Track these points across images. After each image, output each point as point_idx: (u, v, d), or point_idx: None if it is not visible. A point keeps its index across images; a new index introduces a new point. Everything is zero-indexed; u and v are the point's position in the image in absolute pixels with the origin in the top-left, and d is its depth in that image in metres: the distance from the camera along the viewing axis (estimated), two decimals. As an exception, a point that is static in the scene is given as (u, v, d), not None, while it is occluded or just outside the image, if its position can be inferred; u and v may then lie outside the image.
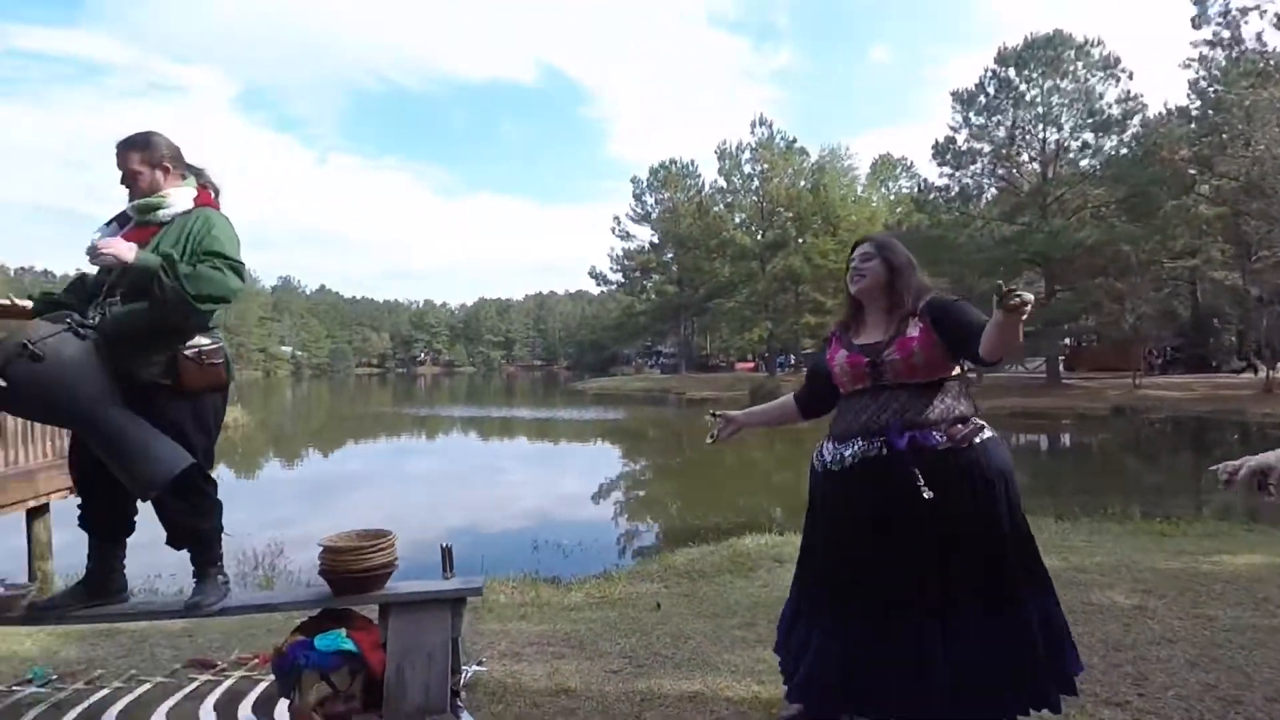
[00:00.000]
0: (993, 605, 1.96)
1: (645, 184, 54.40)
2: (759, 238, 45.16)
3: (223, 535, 2.59)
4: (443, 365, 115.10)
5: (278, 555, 6.58)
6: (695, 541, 5.88)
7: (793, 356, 47.89)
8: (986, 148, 30.22)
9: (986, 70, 29.94)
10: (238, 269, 2.41)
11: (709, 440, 2.57)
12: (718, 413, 2.58)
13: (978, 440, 2.04)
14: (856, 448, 2.10)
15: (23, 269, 75.53)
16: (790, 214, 43.78)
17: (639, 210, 54.84)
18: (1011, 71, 29.21)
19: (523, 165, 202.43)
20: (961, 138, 30.64)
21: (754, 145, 45.48)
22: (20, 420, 4.94)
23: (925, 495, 1.95)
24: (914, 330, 2.09)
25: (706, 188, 51.30)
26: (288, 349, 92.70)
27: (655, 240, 54.52)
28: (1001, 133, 29.76)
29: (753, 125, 46.13)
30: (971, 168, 30.88)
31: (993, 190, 32.13)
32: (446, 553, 2.82)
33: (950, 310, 2.09)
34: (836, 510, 2.15)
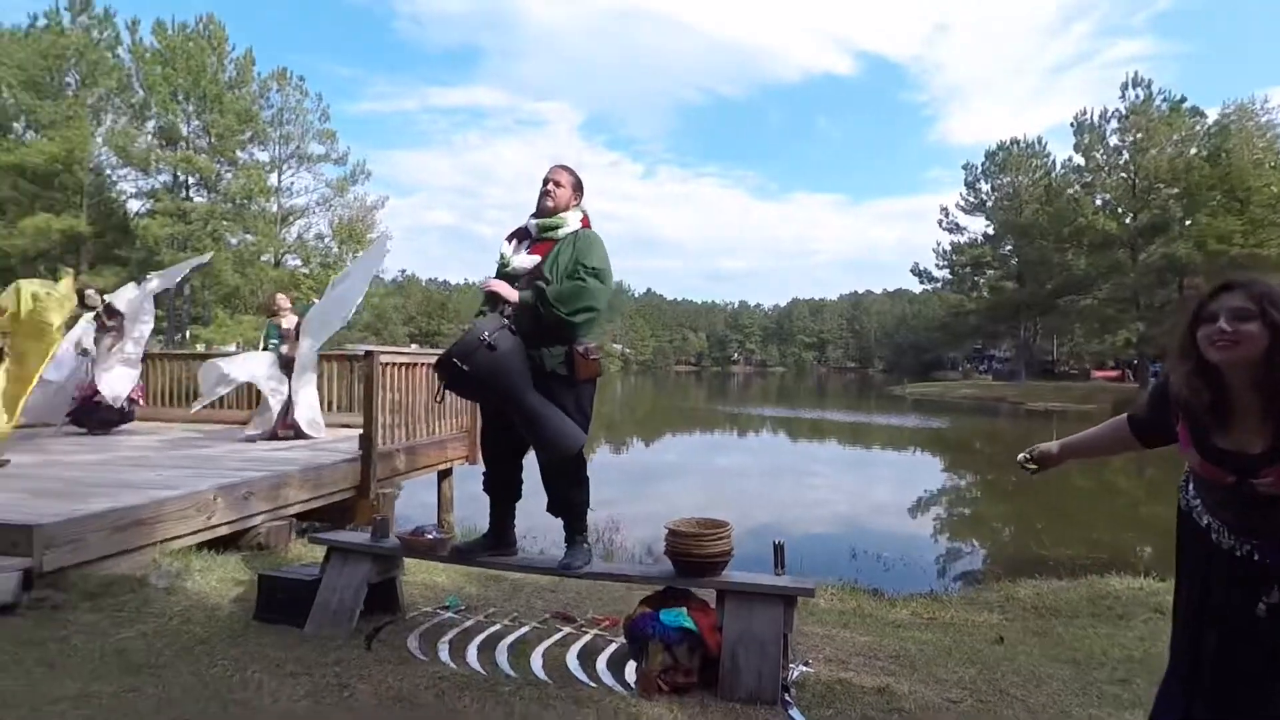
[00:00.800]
0: None
1: (980, 169, 49.01)
2: (1128, 222, 38.10)
3: (589, 509, 3.03)
4: (755, 365, 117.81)
5: (614, 531, 7.33)
6: (1040, 574, 5.20)
7: (1171, 364, 39.41)
8: None
9: None
10: (599, 274, 2.85)
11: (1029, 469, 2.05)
12: (1032, 451, 2.05)
13: None
14: (1219, 528, 1.62)
15: (432, 279, 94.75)
16: (1175, 190, 36.03)
17: (971, 199, 49.66)
18: None
19: (838, 161, 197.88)
20: None
21: (1124, 112, 38.31)
22: (434, 400, 6.18)
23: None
24: None
25: (1057, 168, 44.74)
26: (618, 347, 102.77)
27: (990, 231, 48.84)
28: None
29: (1123, 88, 38.71)
30: None
31: None
32: (779, 549, 2.88)
33: None
34: (1197, 565, 1.68)
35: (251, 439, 6.20)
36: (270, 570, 3.36)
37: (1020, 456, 2.00)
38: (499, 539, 3.09)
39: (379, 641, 2.94)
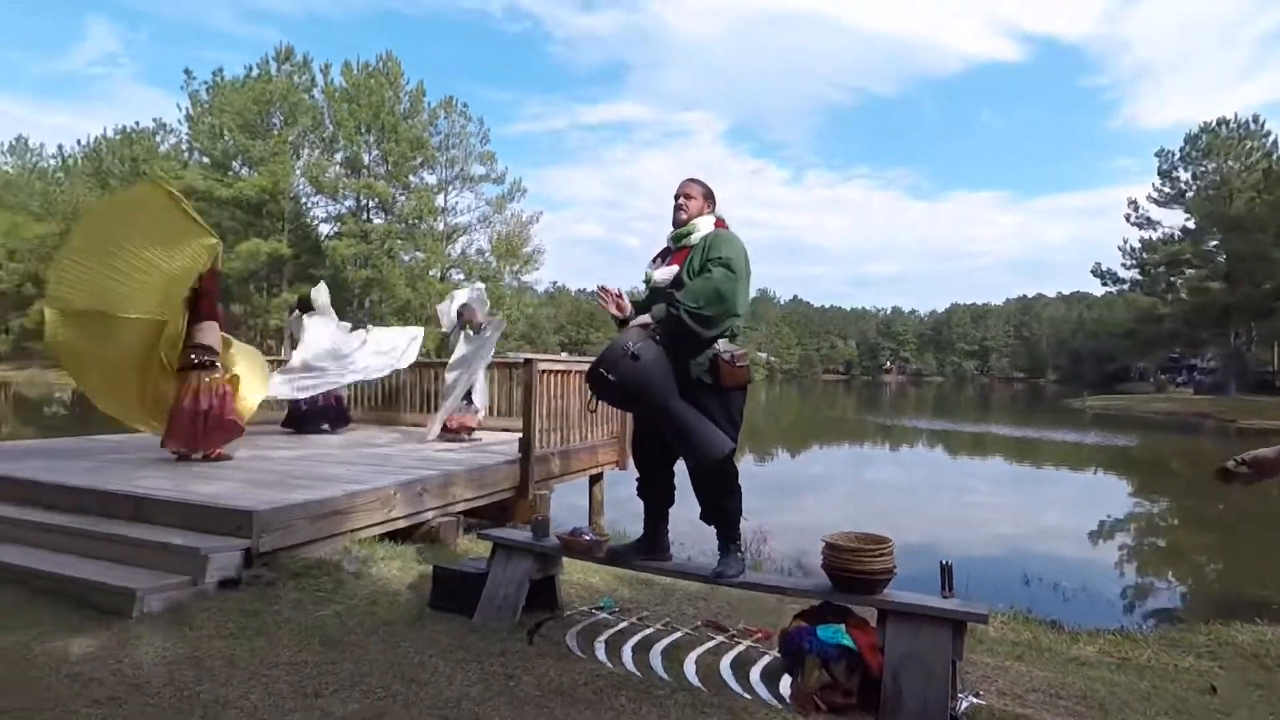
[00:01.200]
0: None
1: (1177, 156, 42.96)
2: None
3: (741, 517, 3.01)
4: (909, 374, 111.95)
5: (761, 542, 7.22)
6: (1261, 618, 4.52)
7: None
8: None
9: None
10: (728, 264, 2.84)
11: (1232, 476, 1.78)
12: (1245, 456, 1.78)
13: None
14: None
15: (581, 290, 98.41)
16: None
17: (1167, 190, 43.63)
18: None
19: (1002, 156, 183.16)
20: None
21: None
22: (587, 409, 6.42)
23: None
24: None
25: (1278, 150, 38.99)
26: (763, 355, 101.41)
27: (1190, 225, 42.59)
28: None
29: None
30: None
31: None
32: (946, 570, 2.72)
33: None
34: None
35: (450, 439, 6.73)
36: (443, 563, 3.63)
37: (1229, 463, 1.80)
38: (653, 544, 3.15)
39: (540, 636, 3.08)
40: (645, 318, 2.93)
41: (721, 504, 2.99)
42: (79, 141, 51.53)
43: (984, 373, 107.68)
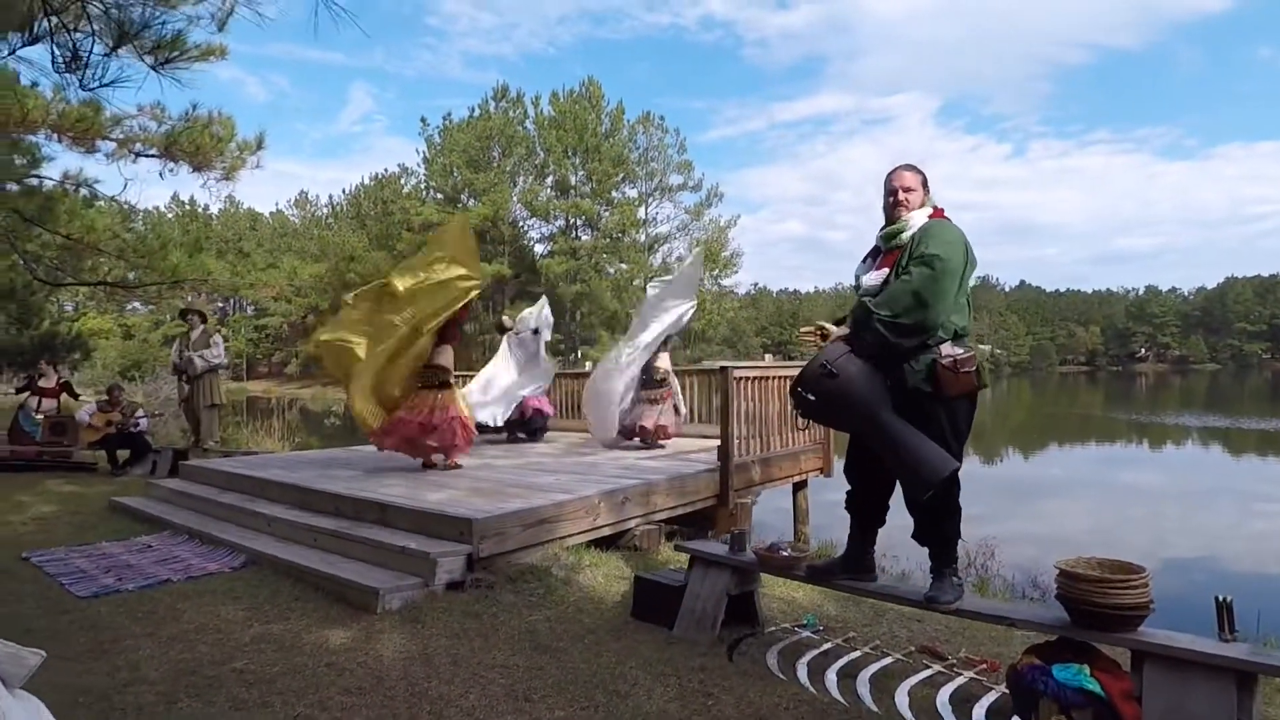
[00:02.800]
0: None
1: None
2: None
3: (959, 539, 2.72)
4: (1171, 362, 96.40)
5: (989, 557, 6.53)
6: None
7: None
8: None
9: None
10: (929, 260, 2.52)
11: None
12: None
13: None
14: None
15: (783, 290, 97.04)
16: None
17: None
18: None
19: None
20: None
21: None
22: (790, 413, 6.24)
23: None
24: None
25: None
26: (986, 347, 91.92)
27: None
28: None
29: None
30: None
31: None
32: (1225, 608, 2.25)
33: None
34: None
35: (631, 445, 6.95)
36: (645, 573, 3.69)
37: None
38: (857, 562, 2.95)
39: (739, 653, 3.02)
40: (843, 328, 2.76)
41: (939, 525, 2.72)
42: (343, 191, 60.68)
43: (1277, 357, 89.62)
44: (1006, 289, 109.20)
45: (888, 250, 2.75)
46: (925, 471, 2.52)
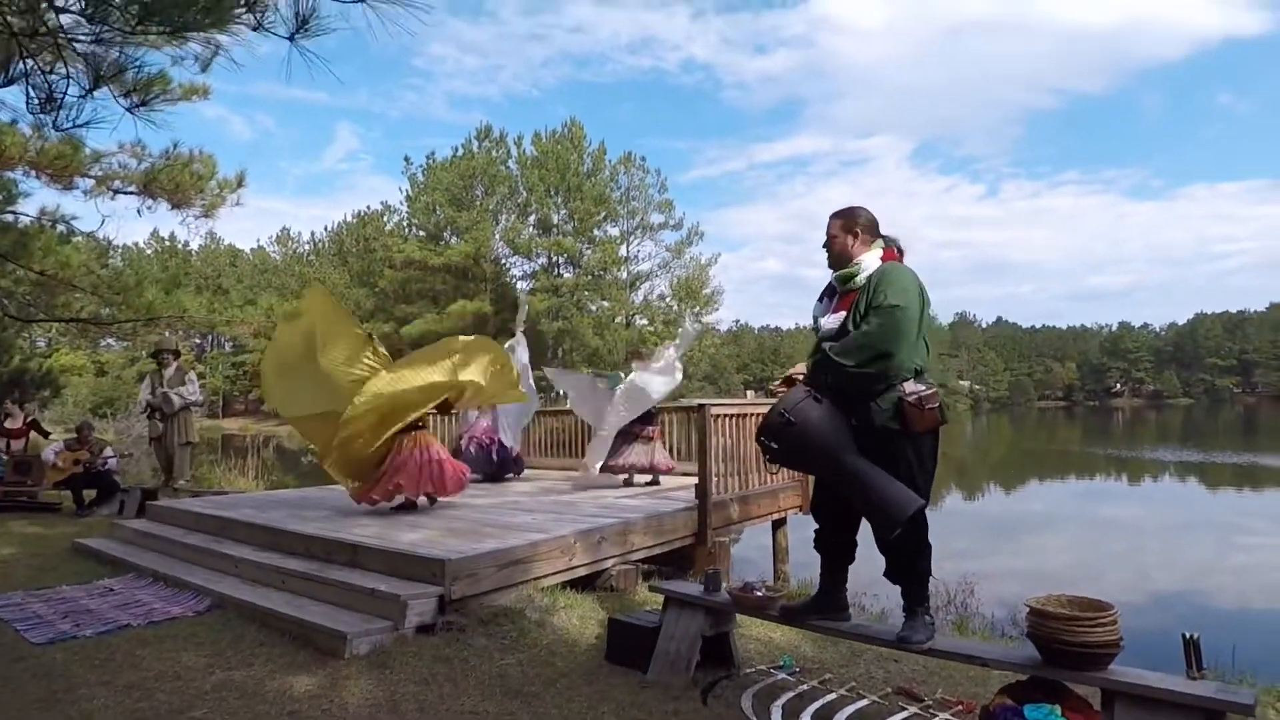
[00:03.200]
0: None
1: None
2: None
3: (930, 577, 2.72)
4: (1145, 397, 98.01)
5: (968, 594, 6.51)
6: None
7: None
8: None
9: None
10: (889, 311, 2.58)
11: None
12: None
13: None
14: None
15: (764, 326, 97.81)
16: None
17: None
18: None
19: (1249, 141, 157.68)
20: None
21: None
22: (766, 469, 6.25)
23: None
24: None
25: None
26: (965, 383, 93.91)
27: None
28: None
29: None
30: None
31: None
32: (1191, 645, 2.27)
33: None
34: None
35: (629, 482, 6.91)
36: (619, 615, 3.64)
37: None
38: (830, 601, 2.94)
39: (714, 696, 2.98)
40: (801, 367, 2.81)
41: (909, 563, 2.72)
42: (325, 228, 60.66)
43: (1247, 391, 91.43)
44: (984, 325, 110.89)
45: (843, 292, 2.80)
46: (893, 510, 2.53)
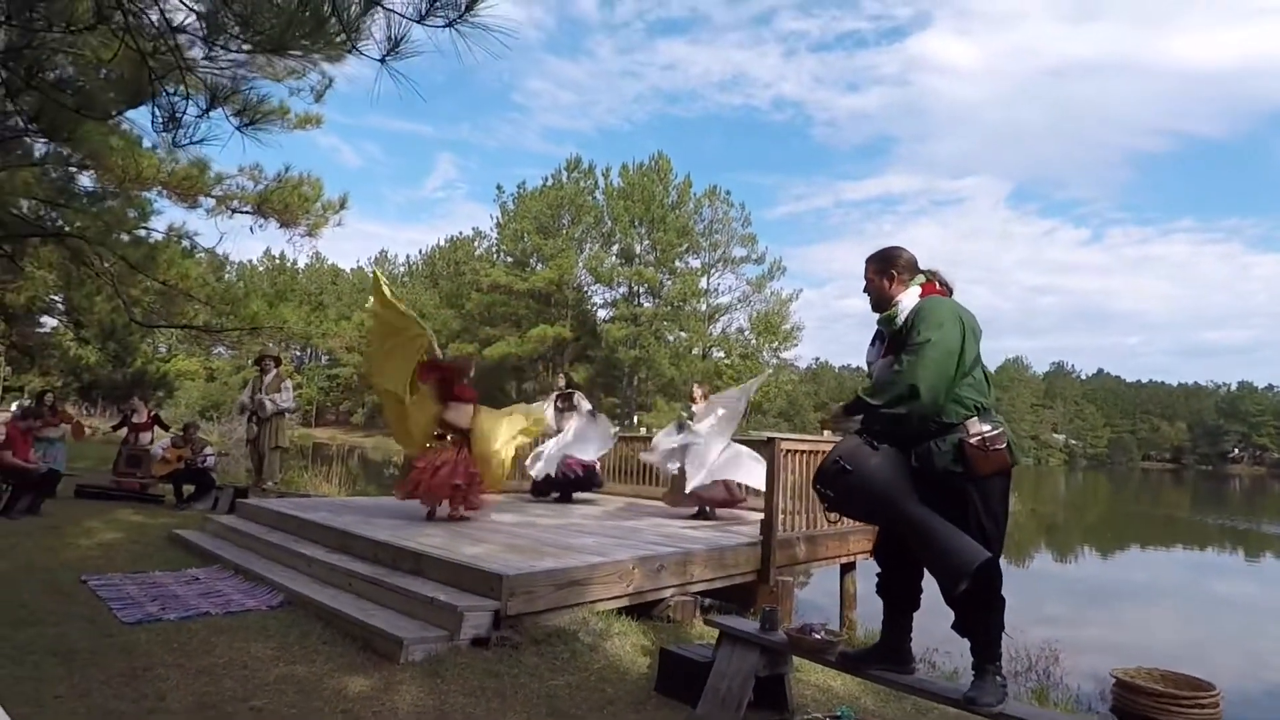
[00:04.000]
0: None
1: None
2: None
3: (1003, 633, 2.55)
4: (1268, 465, 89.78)
5: (1052, 661, 6.07)
6: None
7: None
8: None
9: None
10: (919, 348, 2.45)
11: None
12: None
13: None
14: None
15: (845, 365, 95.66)
16: None
17: None
18: None
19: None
20: None
21: None
22: (827, 520, 6.06)
23: None
24: None
25: None
26: (1060, 436, 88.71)
27: None
28: None
29: None
30: None
31: None
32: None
33: None
34: None
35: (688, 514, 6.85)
36: (672, 645, 3.57)
37: None
38: (893, 651, 2.78)
39: (764, 740, 2.86)
40: (839, 410, 2.71)
41: (979, 618, 2.55)
42: (419, 251, 63.58)
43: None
44: (1083, 376, 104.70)
45: (890, 335, 2.70)
46: (957, 562, 2.38)
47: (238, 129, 2.74)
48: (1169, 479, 64.64)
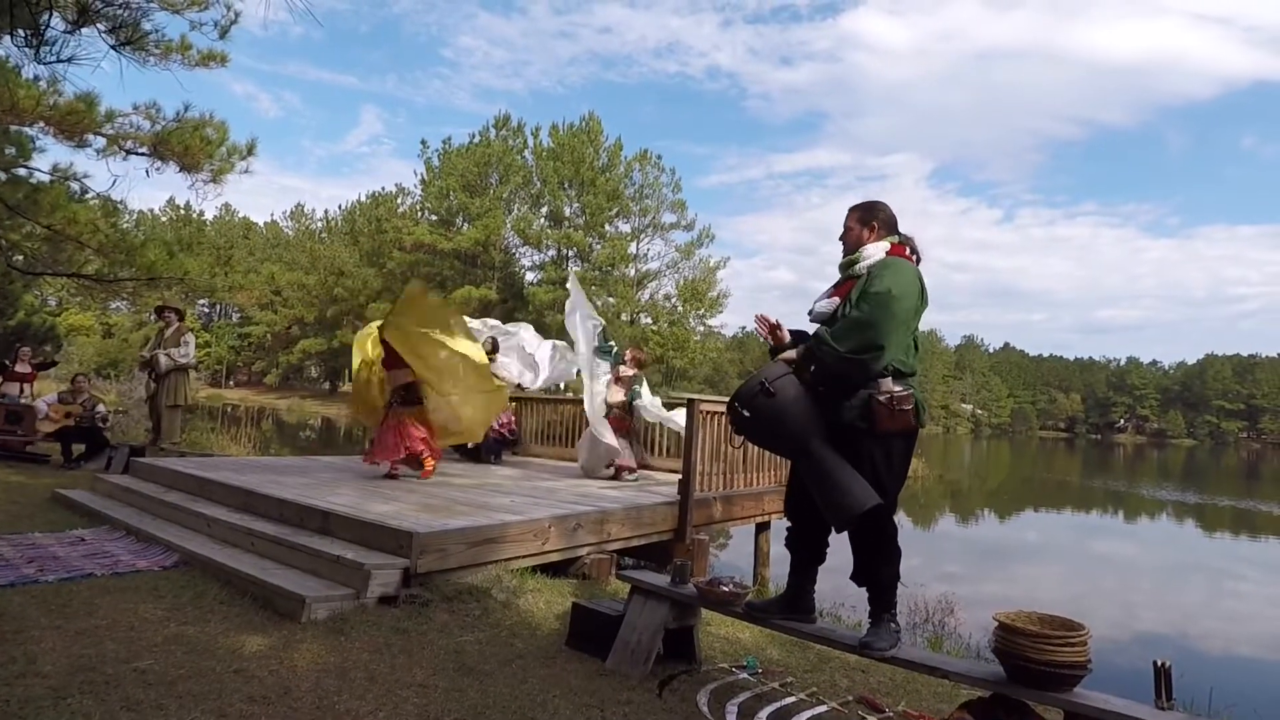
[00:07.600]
0: None
1: None
2: None
3: (898, 584, 2.66)
4: (1149, 435, 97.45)
5: (947, 613, 6.45)
6: None
7: None
8: None
9: None
10: (883, 300, 2.50)
11: None
12: None
13: None
14: None
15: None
16: None
17: None
18: None
19: (1271, 186, 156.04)
20: None
21: None
22: (756, 452, 6.19)
23: None
24: None
25: None
26: (968, 406, 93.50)
27: None
28: None
29: None
30: None
31: None
32: (1163, 673, 2.19)
33: None
34: None
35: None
36: (584, 601, 3.58)
37: None
38: (796, 602, 2.87)
39: (670, 690, 2.91)
40: (792, 353, 2.72)
41: (874, 567, 2.66)
42: (339, 207, 60.85)
43: (1253, 437, 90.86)
44: (991, 350, 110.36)
45: (843, 279, 2.75)
46: (848, 502, 2.46)
47: (112, 48, 2.47)
48: (1063, 447, 69.29)
